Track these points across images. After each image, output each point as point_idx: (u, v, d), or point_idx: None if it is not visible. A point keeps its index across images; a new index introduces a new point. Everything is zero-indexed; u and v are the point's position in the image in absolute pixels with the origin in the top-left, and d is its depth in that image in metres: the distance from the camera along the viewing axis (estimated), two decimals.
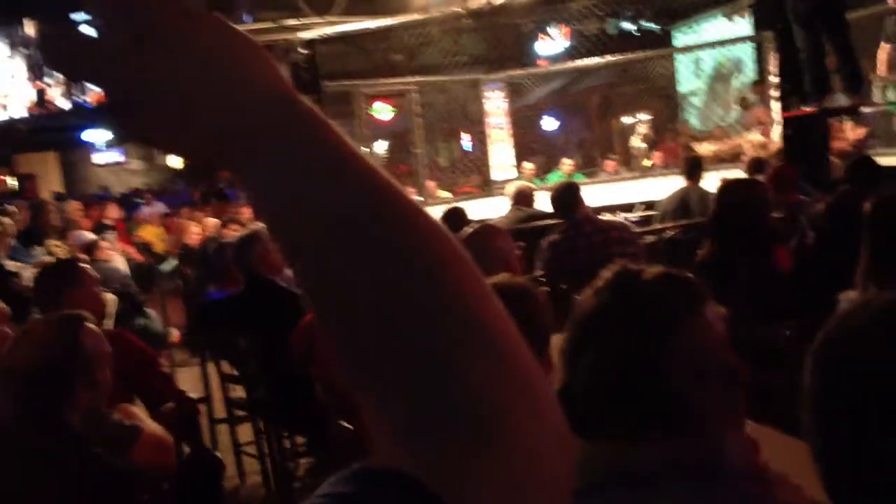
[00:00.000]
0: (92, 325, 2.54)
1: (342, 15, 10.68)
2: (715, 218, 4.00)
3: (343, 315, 0.55)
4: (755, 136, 9.43)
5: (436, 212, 6.96)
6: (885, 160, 6.12)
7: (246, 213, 9.20)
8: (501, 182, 11.43)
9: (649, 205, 7.69)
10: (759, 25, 12.57)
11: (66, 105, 12.29)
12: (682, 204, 6.83)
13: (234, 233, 7.43)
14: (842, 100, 6.72)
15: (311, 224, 0.55)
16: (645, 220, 7.23)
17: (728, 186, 4.10)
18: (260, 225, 4.48)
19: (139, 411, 2.91)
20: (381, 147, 15.02)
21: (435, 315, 0.54)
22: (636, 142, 14.29)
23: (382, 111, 14.21)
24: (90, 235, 8.33)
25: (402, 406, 0.53)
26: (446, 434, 0.52)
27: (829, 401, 1.00)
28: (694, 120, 14.41)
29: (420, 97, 11.91)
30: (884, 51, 8.95)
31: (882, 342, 0.96)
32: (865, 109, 9.45)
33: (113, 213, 10.87)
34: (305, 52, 9.81)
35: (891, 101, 9.00)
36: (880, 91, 9.80)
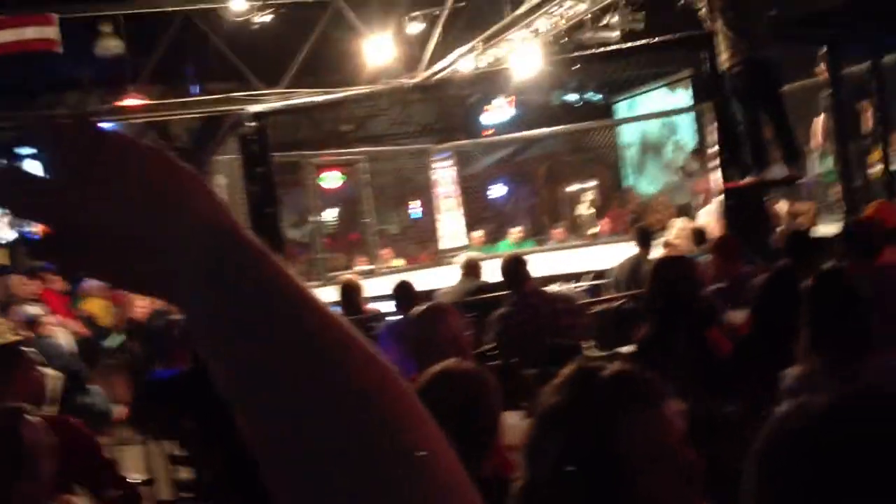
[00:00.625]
0: (32, 418, 2.48)
1: (291, 86, 10.74)
2: (650, 294, 4.08)
3: (280, 458, 0.55)
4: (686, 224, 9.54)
5: (387, 282, 6.98)
6: (823, 229, 6.30)
7: None
8: (451, 250, 11.51)
9: (598, 274, 7.78)
10: (698, 97, 12.96)
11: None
12: (634, 272, 6.91)
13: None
14: (780, 171, 6.91)
15: (249, 360, 0.55)
16: (594, 290, 7.31)
17: (662, 264, 4.19)
18: None
19: (81, 501, 2.83)
20: (330, 214, 15.04)
21: (378, 455, 0.53)
22: (583, 209, 14.51)
23: (331, 179, 14.26)
24: (33, 310, 8.15)
25: None
26: None
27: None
28: (639, 187, 14.71)
29: (369, 166, 12.00)
30: (818, 122, 9.28)
31: (820, 450, 0.98)
32: (803, 181, 9.76)
33: (57, 285, 10.66)
34: (254, 124, 9.84)
35: (826, 170, 9.30)
36: (816, 161, 10.14)
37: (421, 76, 10.82)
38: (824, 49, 8.25)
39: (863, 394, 1.05)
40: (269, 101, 10.29)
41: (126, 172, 0.57)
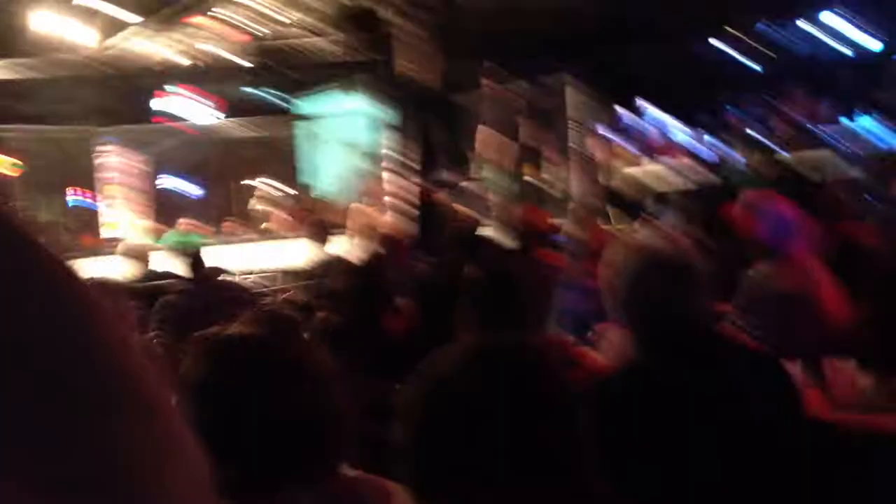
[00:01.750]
0: None
1: None
2: (334, 283, 4.18)
3: None
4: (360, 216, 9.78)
5: None
6: (485, 231, 6.76)
7: None
8: (113, 240, 10.88)
9: (270, 268, 7.76)
10: (378, 101, 13.35)
11: None
12: (305, 266, 6.96)
13: None
14: (446, 175, 7.32)
15: None
16: (265, 282, 7.27)
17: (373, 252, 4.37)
18: None
19: None
20: None
21: (85, 375, 0.49)
22: (257, 205, 14.35)
23: None
24: None
25: (50, 468, 0.48)
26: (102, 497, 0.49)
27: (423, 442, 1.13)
28: (315, 186, 14.86)
29: (22, 147, 11.02)
30: (483, 132, 9.97)
31: (458, 386, 1.12)
32: (466, 184, 10.42)
33: None
34: None
35: (487, 177, 10.01)
36: (479, 169, 10.88)
37: (91, 53, 10.14)
38: (489, 63, 8.86)
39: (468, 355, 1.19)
40: None
41: None
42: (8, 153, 11.13)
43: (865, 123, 11.03)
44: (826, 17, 13.13)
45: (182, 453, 0.53)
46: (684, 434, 2.01)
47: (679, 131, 12.73)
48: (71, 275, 0.53)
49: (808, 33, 13.43)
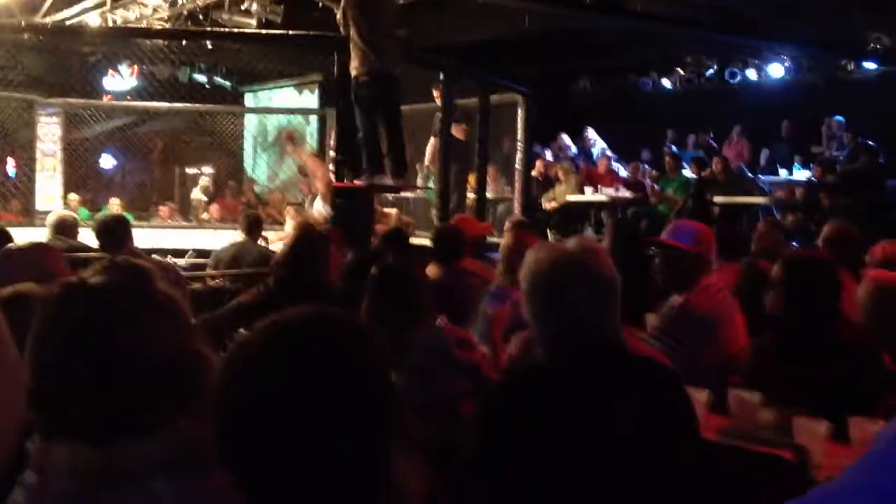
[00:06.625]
0: None
1: None
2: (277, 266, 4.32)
3: None
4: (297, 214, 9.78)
5: None
6: (418, 240, 6.80)
7: None
8: (46, 212, 10.66)
9: (202, 253, 7.69)
10: (324, 101, 13.36)
11: None
12: (237, 256, 6.92)
13: None
14: (388, 180, 7.33)
15: None
16: (195, 267, 7.20)
17: (300, 237, 4.46)
18: None
19: None
20: None
21: None
22: (196, 193, 14.21)
23: None
24: None
25: None
26: None
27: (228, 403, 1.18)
28: (259, 179, 14.77)
29: None
30: (431, 144, 10.01)
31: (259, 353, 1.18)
32: (407, 192, 10.46)
33: None
34: None
35: (430, 188, 10.05)
36: (423, 179, 10.94)
37: (37, 21, 9.96)
38: (441, 76, 8.92)
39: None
40: None
41: None
42: None
43: (798, 172, 11.39)
44: (773, 69, 13.53)
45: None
46: (570, 442, 1.99)
47: (619, 162, 13.00)
48: None
49: (754, 82, 13.84)
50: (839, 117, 11.58)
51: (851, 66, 12.73)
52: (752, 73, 13.78)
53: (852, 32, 11.72)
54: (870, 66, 12.45)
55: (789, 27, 11.49)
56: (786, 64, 13.34)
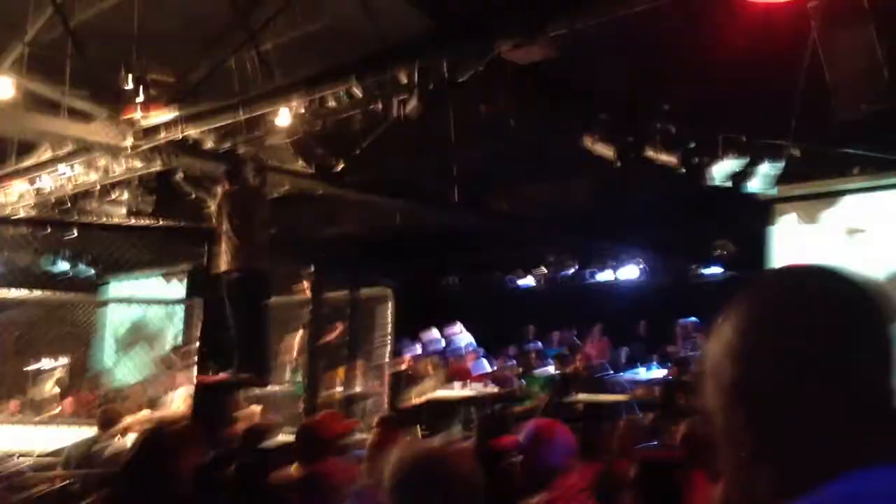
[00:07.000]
0: None
1: None
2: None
3: None
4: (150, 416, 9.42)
5: None
6: (283, 437, 6.66)
7: None
8: None
9: (54, 453, 7.29)
10: (191, 292, 13.20)
11: None
12: (89, 454, 6.59)
13: None
14: (251, 375, 7.20)
15: None
16: (44, 467, 6.80)
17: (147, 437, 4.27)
18: None
19: None
20: None
21: None
22: (49, 386, 13.50)
23: None
24: None
25: None
26: None
27: None
28: (119, 373, 14.21)
29: None
30: (300, 336, 9.99)
31: None
32: (274, 387, 10.27)
33: None
34: None
35: (298, 382, 9.93)
36: (291, 373, 10.80)
37: None
38: (312, 269, 9.03)
39: None
40: None
41: None
42: None
43: (656, 371, 11.82)
44: (628, 270, 14.31)
45: None
46: None
47: (486, 357, 13.22)
48: None
49: (612, 282, 14.56)
50: (693, 318, 12.20)
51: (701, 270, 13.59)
52: (608, 275, 14.52)
53: (700, 238, 12.60)
54: (716, 270, 13.30)
55: (642, 233, 12.28)
56: (640, 266, 14.12)
